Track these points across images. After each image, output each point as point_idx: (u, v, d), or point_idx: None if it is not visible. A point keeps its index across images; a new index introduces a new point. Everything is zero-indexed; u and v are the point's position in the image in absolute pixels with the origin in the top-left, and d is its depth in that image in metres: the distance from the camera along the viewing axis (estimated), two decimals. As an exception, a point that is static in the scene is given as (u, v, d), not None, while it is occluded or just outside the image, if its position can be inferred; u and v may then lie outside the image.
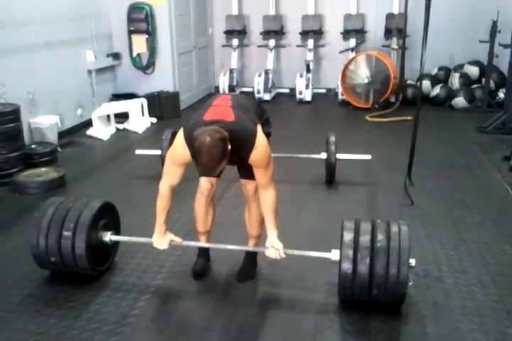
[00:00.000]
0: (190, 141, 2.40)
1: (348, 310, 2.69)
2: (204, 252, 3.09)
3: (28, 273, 3.03)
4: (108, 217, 3.02)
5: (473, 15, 7.54)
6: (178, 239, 2.83)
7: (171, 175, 2.63)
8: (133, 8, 6.81)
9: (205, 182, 2.85)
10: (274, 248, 2.67)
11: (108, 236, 2.96)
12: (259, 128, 2.56)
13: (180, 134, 2.56)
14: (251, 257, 3.02)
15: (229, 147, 2.35)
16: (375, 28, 8.09)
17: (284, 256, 2.67)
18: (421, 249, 3.24)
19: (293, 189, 4.36)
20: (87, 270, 2.88)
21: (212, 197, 2.95)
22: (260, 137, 2.51)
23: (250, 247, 2.94)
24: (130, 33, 6.89)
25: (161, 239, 2.79)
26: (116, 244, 3.10)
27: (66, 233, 2.79)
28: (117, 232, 3.10)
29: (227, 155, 2.34)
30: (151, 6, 6.81)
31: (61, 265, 2.87)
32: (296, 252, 2.75)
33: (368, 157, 4.50)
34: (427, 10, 3.87)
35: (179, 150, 2.54)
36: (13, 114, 4.52)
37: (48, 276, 3.01)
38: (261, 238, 2.94)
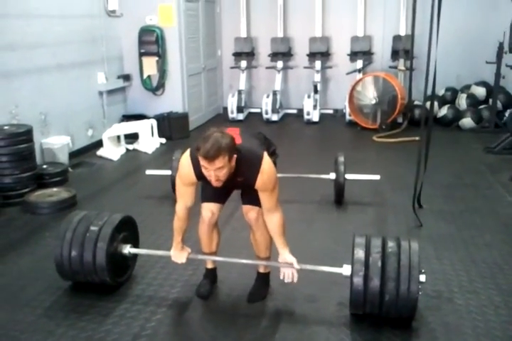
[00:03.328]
0: (194, 159, 2.44)
1: (360, 324, 2.71)
2: (211, 273, 3.10)
3: (42, 291, 3.06)
4: (128, 230, 3.13)
5: (480, 37, 7.64)
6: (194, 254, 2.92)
7: (183, 197, 2.69)
8: (144, 31, 6.95)
9: (206, 211, 2.85)
10: (287, 262, 2.70)
11: (127, 249, 3.05)
12: (265, 153, 2.60)
13: (186, 154, 2.61)
14: (262, 278, 3.03)
15: (235, 156, 2.40)
16: (382, 49, 8.20)
17: (297, 268, 2.69)
18: (431, 269, 3.23)
19: (302, 209, 4.38)
20: (107, 281, 2.96)
21: (216, 223, 2.94)
22: (266, 161, 2.54)
23: (264, 262, 2.95)
24: (141, 55, 7.01)
25: (179, 254, 2.88)
26: (135, 256, 3.19)
27: (88, 244, 2.91)
28: (136, 245, 3.20)
29: (232, 154, 2.38)
30: (162, 29, 6.95)
31: (82, 276, 2.96)
32: (308, 267, 2.79)
33: (377, 177, 4.51)
34: (433, 31, 3.93)
35: (185, 169, 2.58)
36: (26, 135, 4.59)
37: (65, 290, 3.08)
38: (270, 259, 2.96)
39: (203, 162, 2.38)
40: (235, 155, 2.41)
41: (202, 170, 2.44)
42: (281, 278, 2.76)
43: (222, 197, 2.86)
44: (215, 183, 2.46)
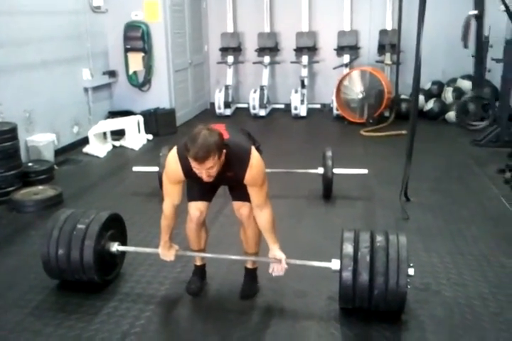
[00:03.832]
0: (182, 156, 2.42)
1: (350, 318, 2.72)
2: (200, 270, 3.08)
3: (29, 290, 3.03)
4: (115, 227, 3.11)
5: (465, 31, 7.65)
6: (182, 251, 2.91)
7: (170, 195, 2.66)
8: (129, 27, 6.89)
9: (193, 210, 2.83)
10: (276, 259, 2.70)
11: (115, 247, 3.03)
12: (253, 147, 2.59)
13: (173, 151, 2.58)
14: (251, 274, 3.02)
15: (224, 150, 2.38)
16: (369, 43, 8.20)
17: (286, 266, 2.71)
18: (419, 262, 3.24)
19: (290, 204, 4.38)
20: (95, 279, 2.94)
21: (203, 222, 2.92)
22: (255, 155, 2.53)
23: (252, 257, 2.94)
24: (126, 51, 6.95)
25: (167, 252, 2.87)
26: (122, 254, 3.17)
27: (75, 242, 2.88)
28: (124, 243, 3.18)
29: (221, 152, 2.36)
30: (148, 25, 6.89)
31: (70, 274, 2.94)
32: (298, 262, 2.80)
33: (365, 171, 4.52)
34: (419, 25, 3.94)
35: (172, 166, 2.56)
36: (11, 133, 4.54)
37: (53, 289, 3.05)
38: (258, 255, 2.95)
39: (193, 163, 2.36)
40: (224, 151, 2.40)
41: (191, 168, 2.42)
42: (270, 271, 2.75)
43: (209, 195, 2.85)
44: (206, 179, 2.44)
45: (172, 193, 2.65)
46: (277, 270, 2.73)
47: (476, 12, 6.58)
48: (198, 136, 2.31)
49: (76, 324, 2.70)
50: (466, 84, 7.66)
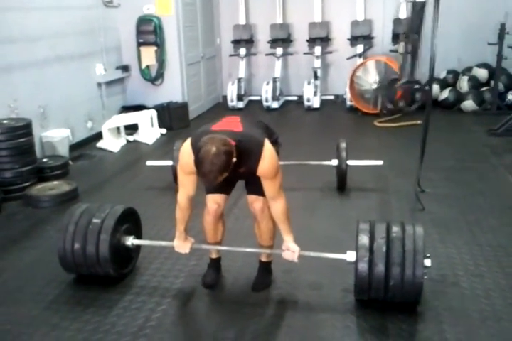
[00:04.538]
0: (196, 148, 2.41)
1: (365, 310, 2.71)
2: (215, 263, 3.08)
3: (46, 284, 3.06)
4: (130, 221, 3.12)
5: (481, 18, 7.54)
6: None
7: (185, 186, 2.65)
8: (141, 21, 6.88)
9: (211, 203, 2.82)
10: (290, 251, 2.70)
11: (130, 241, 3.05)
12: (266, 139, 2.56)
13: (187, 143, 2.57)
14: (265, 267, 3.01)
15: (234, 159, 2.35)
16: (383, 33, 8.11)
17: (296, 261, 2.70)
18: (436, 253, 3.20)
19: (304, 196, 4.36)
20: (111, 273, 2.96)
21: (221, 215, 2.91)
22: (268, 147, 2.51)
23: (267, 250, 2.93)
24: (139, 45, 6.95)
25: (183, 244, 2.86)
26: (138, 247, 3.19)
27: (91, 237, 2.90)
28: (139, 237, 3.19)
29: (229, 167, 2.34)
30: (160, 18, 6.88)
31: (86, 268, 2.96)
32: (312, 254, 2.79)
33: (380, 162, 4.48)
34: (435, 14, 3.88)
35: (186, 158, 2.55)
36: (25, 129, 4.56)
37: (69, 283, 3.08)
38: (273, 248, 2.94)
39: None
40: (234, 158, 2.36)
41: None
42: (283, 257, 2.74)
43: (228, 188, 2.83)
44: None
45: (187, 184, 2.64)
46: (289, 255, 2.71)
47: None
48: (205, 159, 2.27)
49: (92, 317, 2.72)
50: (482, 73, 7.55)
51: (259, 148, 2.49)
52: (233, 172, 2.44)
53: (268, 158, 2.50)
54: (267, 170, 2.51)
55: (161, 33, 6.92)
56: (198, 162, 2.32)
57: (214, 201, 2.82)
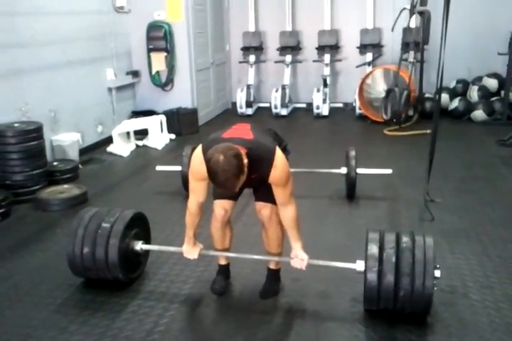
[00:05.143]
0: (207, 157, 2.40)
1: (374, 320, 2.69)
2: (224, 270, 3.08)
3: (55, 288, 3.07)
4: (139, 226, 3.13)
5: (491, 28, 7.53)
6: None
7: (196, 193, 2.66)
8: (152, 27, 6.93)
9: (218, 209, 2.82)
10: (299, 259, 2.69)
11: (139, 245, 3.06)
12: (277, 147, 2.57)
13: (199, 150, 2.58)
14: (274, 275, 3.00)
15: (245, 161, 2.34)
16: (392, 42, 8.09)
17: (305, 268, 2.70)
18: (445, 264, 3.19)
19: (313, 204, 4.35)
20: (120, 277, 2.97)
21: (228, 221, 2.91)
22: (279, 155, 2.52)
23: (275, 257, 2.92)
24: (149, 51, 7.00)
25: (191, 250, 2.87)
26: (146, 252, 3.20)
27: (100, 241, 2.91)
28: (148, 242, 3.20)
29: (244, 170, 2.33)
30: (170, 25, 6.92)
31: (94, 272, 2.97)
32: (321, 262, 2.78)
33: (389, 171, 4.47)
34: (444, 23, 3.88)
35: (197, 166, 2.55)
36: (36, 132, 4.59)
37: (78, 287, 3.08)
38: (281, 255, 2.93)
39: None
40: (245, 160, 2.35)
41: None
42: (292, 264, 2.74)
43: (235, 194, 2.83)
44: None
45: (197, 190, 2.65)
46: (298, 262, 2.71)
47: None
48: (217, 169, 2.26)
49: (101, 321, 2.73)
50: (492, 83, 7.53)
51: (270, 156, 2.49)
52: (246, 178, 2.45)
53: (280, 165, 2.50)
54: (279, 177, 2.52)
55: (171, 39, 6.96)
56: (211, 175, 2.31)
57: (221, 207, 2.82)
